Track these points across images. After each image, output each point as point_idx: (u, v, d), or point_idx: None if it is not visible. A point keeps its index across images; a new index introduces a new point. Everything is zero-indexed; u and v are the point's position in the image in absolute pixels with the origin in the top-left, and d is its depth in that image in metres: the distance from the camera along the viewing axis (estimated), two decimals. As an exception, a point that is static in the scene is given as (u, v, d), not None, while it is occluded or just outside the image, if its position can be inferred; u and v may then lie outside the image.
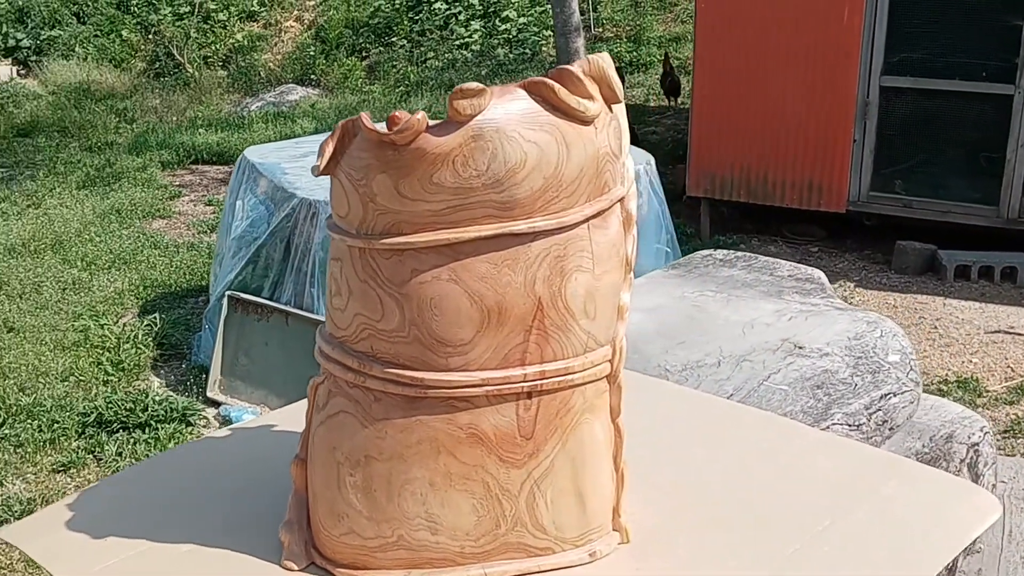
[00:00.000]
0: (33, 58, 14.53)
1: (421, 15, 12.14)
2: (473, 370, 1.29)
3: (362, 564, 1.37)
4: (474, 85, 1.17)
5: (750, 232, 6.20)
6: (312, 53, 12.21)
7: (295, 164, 4.72)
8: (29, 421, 3.75)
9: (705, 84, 5.87)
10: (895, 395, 1.94)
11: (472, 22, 11.74)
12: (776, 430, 1.74)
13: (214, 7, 13.82)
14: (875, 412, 1.89)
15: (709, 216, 6.14)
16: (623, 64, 9.80)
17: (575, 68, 1.25)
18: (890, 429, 1.92)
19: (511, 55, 11.04)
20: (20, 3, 14.78)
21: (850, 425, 1.84)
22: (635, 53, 10.05)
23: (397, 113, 1.17)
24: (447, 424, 1.31)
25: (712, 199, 6.05)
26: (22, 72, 14.47)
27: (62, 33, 14.68)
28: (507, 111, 1.21)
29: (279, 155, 5.05)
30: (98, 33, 14.51)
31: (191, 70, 12.83)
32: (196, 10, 14.09)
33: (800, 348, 2.12)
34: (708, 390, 1.94)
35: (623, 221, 1.38)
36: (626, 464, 1.43)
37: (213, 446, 1.85)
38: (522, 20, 11.42)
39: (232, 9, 13.78)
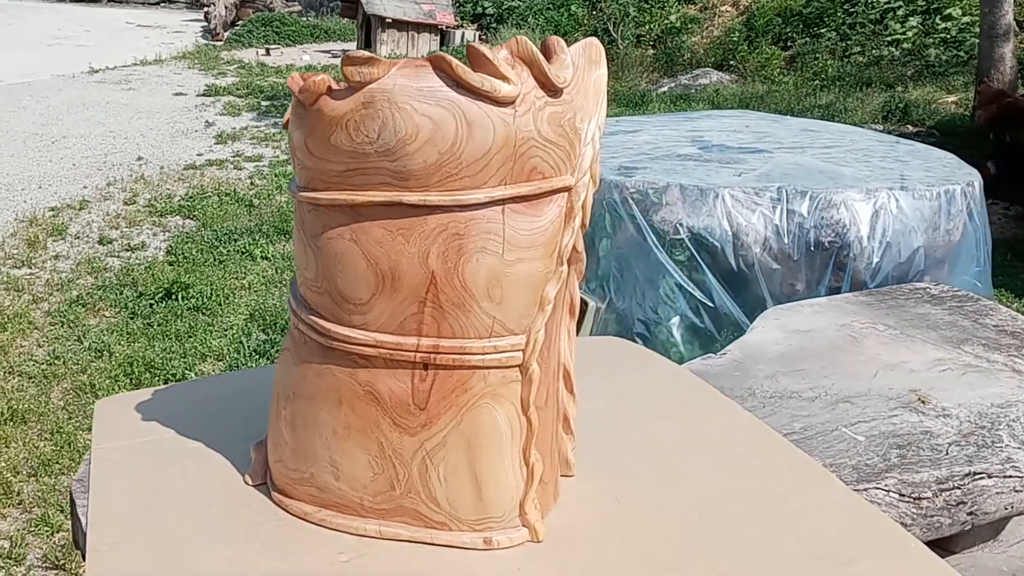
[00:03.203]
0: (493, 25, 15.97)
1: (857, 7, 11.53)
2: (371, 331, 1.33)
3: (288, 492, 1.48)
4: (362, 53, 1.21)
5: None
6: (736, 39, 12.12)
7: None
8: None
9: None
10: (990, 476, 1.62)
11: (910, 18, 10.92)
12: (794, 476, 1.55)
13: (656, -12, 14.20)
14: (950, 490, 1.60)
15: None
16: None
17: (486, 47, 1.23)
18: (969, 514, 1.61)
19: (943, 56, 10.12)
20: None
21: (902, 495, 1.57)
22: (1086, 65, 8.74)
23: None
24: (349, 378, 1.37)
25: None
26: (482, 37, 15.97)
27: (521, 4, 15.95)
28: (404, 83, 1.22)
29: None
30: (551, 6, 15.55)
31: (622, 47, 13.32)
32: (639, -11, 14.57)
33: (923, 403, 1.85)
34: (775, 423, 1.77)
35: (564, 212, 1.33)
36: (538, 460, 1.38)
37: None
38: (965, 20, 10.41)
39: (674, -10, 14.06)
